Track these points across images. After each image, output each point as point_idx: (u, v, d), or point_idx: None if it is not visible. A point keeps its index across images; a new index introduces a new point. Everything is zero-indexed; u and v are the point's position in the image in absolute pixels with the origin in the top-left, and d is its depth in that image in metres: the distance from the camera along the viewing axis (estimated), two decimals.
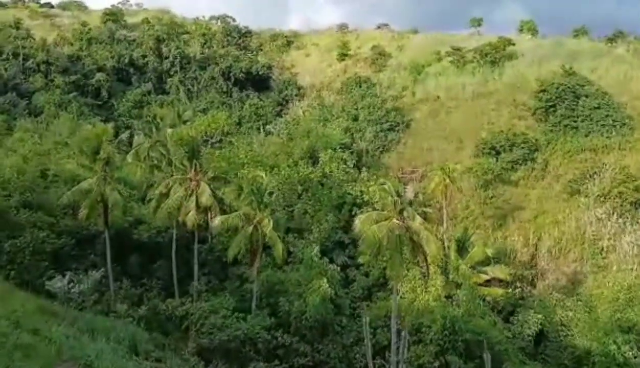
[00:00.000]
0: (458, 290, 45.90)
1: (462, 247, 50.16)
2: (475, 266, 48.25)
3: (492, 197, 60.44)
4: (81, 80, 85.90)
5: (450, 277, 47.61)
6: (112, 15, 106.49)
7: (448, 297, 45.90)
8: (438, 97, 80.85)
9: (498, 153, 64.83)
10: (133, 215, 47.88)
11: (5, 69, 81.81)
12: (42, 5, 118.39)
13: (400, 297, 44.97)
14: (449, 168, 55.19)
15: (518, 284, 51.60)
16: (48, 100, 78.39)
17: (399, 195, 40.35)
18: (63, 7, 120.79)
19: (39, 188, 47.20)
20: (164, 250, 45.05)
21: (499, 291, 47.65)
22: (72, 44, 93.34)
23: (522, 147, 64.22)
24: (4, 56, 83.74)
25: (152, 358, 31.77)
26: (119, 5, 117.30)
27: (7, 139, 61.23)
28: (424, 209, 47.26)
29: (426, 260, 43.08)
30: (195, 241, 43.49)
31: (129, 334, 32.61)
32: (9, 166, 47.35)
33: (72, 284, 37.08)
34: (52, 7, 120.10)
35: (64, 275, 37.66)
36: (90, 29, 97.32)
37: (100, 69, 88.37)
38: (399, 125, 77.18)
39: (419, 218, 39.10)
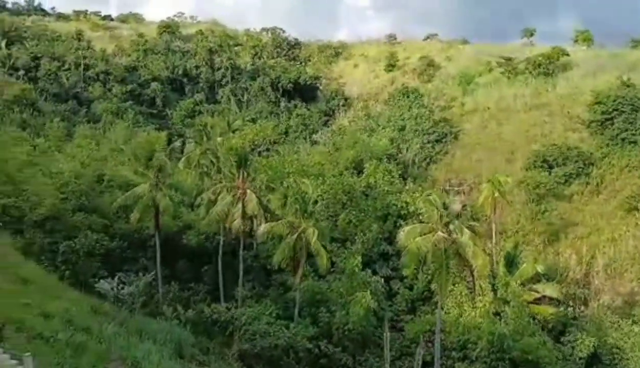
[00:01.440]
0: (506, 307, 44.63)
1: (511, 263, 48.79)
2: (525, 283, 46.76)
3: (544, 212, 58.53)
4: (137, 89, 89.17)
5: (499, 293, 46.37)
6: (168, 28, 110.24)
7: (496, 313, 44.70)
8: (488, 108, 79.26)
9: (551, 166, 62.87)
10: (182, 221, 49.10)
11: (67, 78, 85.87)
12: (102, 18, 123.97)
13: (446, 312, 44.19)
14: (498, 181, 53.88)
15: (570, 303, 49.65)
16: (106, 109, 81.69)
17: (445, 208, 39.91)
18: (122, 19, 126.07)
19: (94, 193, 49.09)
20: (211, 256, 45.95)
21: (549, 310, 45.96)
22: (129, 55, 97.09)
23: (576, 161, 62.06)
24: (66, 66, 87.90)
25: (197, 361, 32.48)
26: (175, 18, 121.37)
27: (67, 144, 64.05)
28: (472, 223, 46.45)
29: (473, 275, 42.32)
30: (240, 248, 44.20)
31: (175, 337, 33.49)
32: (68, 171, 49.44)
33: (122, 286, 38.36)
34: (112, 19, 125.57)
35: (115, 277, 39.00)
36: (146, 41, 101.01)
37: (155, 79, 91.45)
38: (447, 137, 76.11)
39: (465, 232, 38.47)
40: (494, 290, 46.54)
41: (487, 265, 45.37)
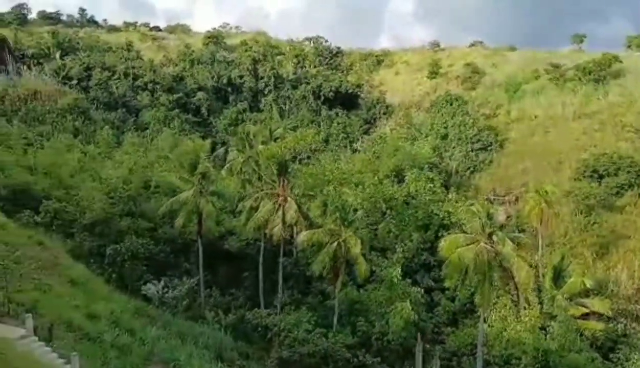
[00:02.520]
0: (552, 322, 43.23)
1: (558, 276, 47.23)
2: (573, 297, 45.20)
3: (593, 224, 56.53)
4: (183, 98, 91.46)
5: (545, 307, 44.99)
6: (213, 38, 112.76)
7: (541, 328, 43.32)
8: (535, 116, 77.43)
9: (601, 177, 60.72)
10: (225, 227, 49.93)
11: (117, 87, 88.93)
12: (151, 29, 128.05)
13: (489, 325, 43.17)
14: (545, 191, 52.42)
15: (620, 319, 47.58)
16: (153, 117, 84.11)
17: (489, 218, 38.99)
18: (170, 30, 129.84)
19: (141, 198, 50.49)
20: (251, 262, 46.50)
21: (598, 326, 44.20)
22: (176, 65, 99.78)
23: (629, 171, 59.69)
24: (117, 76, 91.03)
25: (236, 365, 32.86)
26: (220, 29, 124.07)
27: (116, 151, 66.22)
28: (517, 234, 45.37)
29: (517, 288, 41.22)
30: (280, 254, 44.54)
31: (216, 341, 34.06)
32: (116, 177, 51.12)
33: (166, 289, 39.26)
34: (160, 30, 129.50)
35: (159, 281, 39.98)
36: (193, 51, 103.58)
37: (201, 88, 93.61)
38: (492, 145, 74.71)
39: (510, 244, 37.53)
40: (540, 304, 45.18)
41: (532, 278, 44.12)
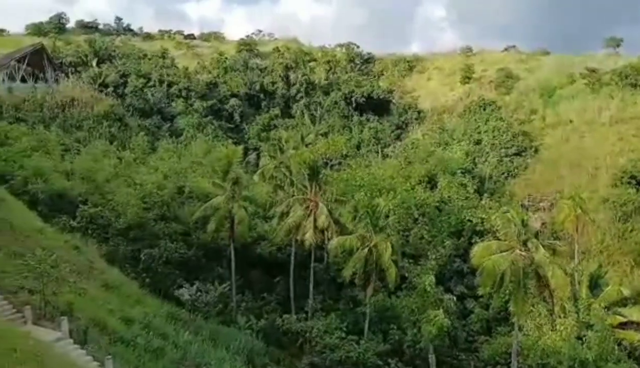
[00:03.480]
0: (589, 331, 42.02)
1: (595, 285, 46.11)
2: (610, 306, 43.97)
3: (631, 231, 54.93)
4: (217, 105, 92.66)
5: (581, 316, 43.76)
6: (246, 46, 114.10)
7: (578, 337, 42.15)
8: (571, 121, 75.71)
9: (639, 183, 58.90)
10: (256, 232, 50.21)
11: (152, 94, 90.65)
12: (185, 37, 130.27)
13: (524, 334, 42.25)
14: (581, 197, 51.09)
15: None
16: (187, 123, 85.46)
17: (523, 225, 38.25)
18: (204, 38, 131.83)
19: (175, 203, 51.25)
20: (283, 267, 46.65)
21: (636, 335, 42.81)
22: (210, 72, 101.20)
23: None
24: (152, 83, 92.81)
25: None
26: (253, 36, 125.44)
27: (151, 157, 67.45)
28: (552, 241, 44.31)
29: (552, 296, 40.24)
30: (311, 260, 44.55)
31: (247, 345, 34.23)
32: (151, 182, 52.03)
33: (199, 294, 39.69)
34: (194, 38, 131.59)
35: (192, 285, 40.46)
36: (226, 58, 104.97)
37: (234, 95, 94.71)
38: (527, 150, 73.37)
39: (545, 251, 36.71)
40: (576, 313, 43.98)
41: (568, 286, 43.03)
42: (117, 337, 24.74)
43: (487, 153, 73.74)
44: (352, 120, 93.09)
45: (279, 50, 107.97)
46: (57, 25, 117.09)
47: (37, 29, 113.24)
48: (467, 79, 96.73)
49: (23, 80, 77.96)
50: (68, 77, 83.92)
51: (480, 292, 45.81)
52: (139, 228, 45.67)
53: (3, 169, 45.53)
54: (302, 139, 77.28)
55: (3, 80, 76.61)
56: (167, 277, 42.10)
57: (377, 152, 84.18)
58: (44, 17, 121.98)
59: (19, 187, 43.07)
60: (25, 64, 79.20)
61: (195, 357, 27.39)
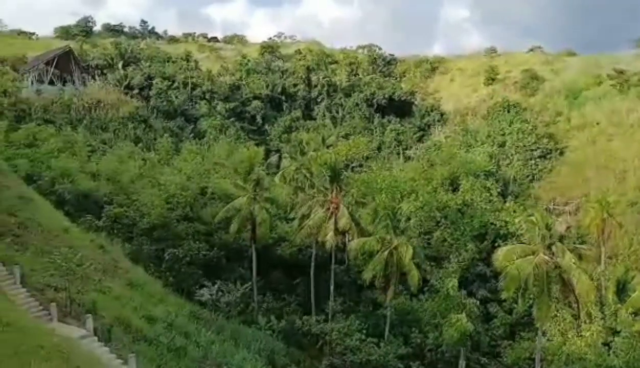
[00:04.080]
0: (616, 337, 41.19)
1: (621, 290, 45.07)
2: (638, 312, 42.85)
3: None
4: (239, 107, 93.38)
5: (607, 322, 42.90)
6: (269, 48, 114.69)
7: (604, 344, 41.33)
8: (597, 123, 74.31)
9: None
10: (277, 233, 50.42)
11: (176, 97, 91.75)
12: (209, 40, 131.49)
13: (547, 340, 41.60)
14: (607, 201, 50.06)
15: None
16: (210, 125, 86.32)
17: (548, 229, 37.68)
18: (227, 41, 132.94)
19: (198, 204, 51.82)
20: (303, 268, 46.72)
21: None
22: (233, 74, 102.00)
23: None
24: (176, 85, 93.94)
25: None
26: (275, 38, 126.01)
27: (175, 158, 68.31)
28: (578, 245, 43.58)
29: (577, 301, 39.53)
30: (332, 261, 44.53)
31: (268, 346, 34.35)
32: (175, 183, 52.66)
33: (220, 294, 39.98)
34: (218, 41, 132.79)
35: (213, 285, 40.76)
36: (248, 61, 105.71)
37: (256, 97, 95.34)
38: (552, 153, 72.26)
39: (570, 255, 36.10)
40: (602, 319, 43.10)
41: (593, 292, 42.06)
42: (141, 335, 25.06)
43: (511, 155, 72.84)
44: (373, 122, 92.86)
45: (300, 52, 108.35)
46: (85, 28, 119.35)
47: (65, 32, 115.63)
48: (491, 80, 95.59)
49: (51, 82, 79.75)
50: (95, 79, 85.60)
51: (503, 296, 45.17)
52: (163, 228, 46.26)
53: (31, 170, 46.56)
54: (323, 140, 77.40)
55: (32, 82, 78.50)
56: (189, 276, 42.52)
57: (399, 154, 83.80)
58: (71, 21, 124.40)
59: (47, 187, 43.99)
60: (53, 66, 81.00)
61: (217, 356, 27.58)
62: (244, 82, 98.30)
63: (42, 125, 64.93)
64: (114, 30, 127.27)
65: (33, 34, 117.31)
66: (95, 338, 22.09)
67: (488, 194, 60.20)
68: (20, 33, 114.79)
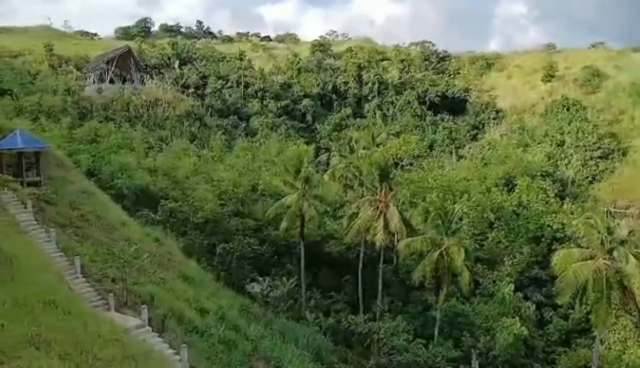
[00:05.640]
0: None
1: None
2: None
3: None
4: (290, 105, 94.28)
5: None
6: (320, 46, 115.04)
7: None
8: None
9: None
10: (325, 230, 50.57)
11: (230, 95, 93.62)
12: (262, 39, 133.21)
13: (606, 348, 39.83)
14: None
15: None
16: (262, 123, 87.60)
17: (609, 232, 36.13)
18: (279, 40, 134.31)
19: (249, 200, 52.70)
20: (351, 266, 46.66)
21: None
22: (284, 73, 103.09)
23: None
24: (229, 84, 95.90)
25: None
26: (327, 37, 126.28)
27: (227, 155, 69.69)
28: None
29: (639, 308, 37.62)
30: (380, 261, 44.24)
31: (315, 342, 34.47)
32: (227, 179, 53.78)
33: (269, 289, 40.48)
34: (270, 40, 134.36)
35: (263, 280, 41.32)
36: (300, 59, 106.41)
37: (306, 95, 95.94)
38: (614, 153, 69.12)
39: (633, 260, 34.43)
40: None
41: None
42: (193, 326, 25.68)
43: (570, 155, 70.19)
44: (425, 120, 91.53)
45: (352, 50, 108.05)
46: (143, 29, 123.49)
47: (125, 33, 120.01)
48: (549, 77, 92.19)
49: (111, 81, 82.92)
50: (152, 78, 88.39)
51: (559, 301, 43.61)
52: (215, 223, 47.30)
53: (92, 165, 48.54)
54: (373, 138, 76.98)
55: (94, 81, 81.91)
56: (240, 270, 43.30)
57: (451, 153, 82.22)
58: (130, 22, 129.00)
59: (107, 181, 45.76)
60: (113, 66, 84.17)
61: (266, 350, 27.94)
62: (295, 81, 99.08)
63: (103, 122, 67.63)
64: (171, 30, 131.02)
65: (95, 34, 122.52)
66: (150, 328, 22.81)
67: (545, 195, 58.17)
68: (84, 34, 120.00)
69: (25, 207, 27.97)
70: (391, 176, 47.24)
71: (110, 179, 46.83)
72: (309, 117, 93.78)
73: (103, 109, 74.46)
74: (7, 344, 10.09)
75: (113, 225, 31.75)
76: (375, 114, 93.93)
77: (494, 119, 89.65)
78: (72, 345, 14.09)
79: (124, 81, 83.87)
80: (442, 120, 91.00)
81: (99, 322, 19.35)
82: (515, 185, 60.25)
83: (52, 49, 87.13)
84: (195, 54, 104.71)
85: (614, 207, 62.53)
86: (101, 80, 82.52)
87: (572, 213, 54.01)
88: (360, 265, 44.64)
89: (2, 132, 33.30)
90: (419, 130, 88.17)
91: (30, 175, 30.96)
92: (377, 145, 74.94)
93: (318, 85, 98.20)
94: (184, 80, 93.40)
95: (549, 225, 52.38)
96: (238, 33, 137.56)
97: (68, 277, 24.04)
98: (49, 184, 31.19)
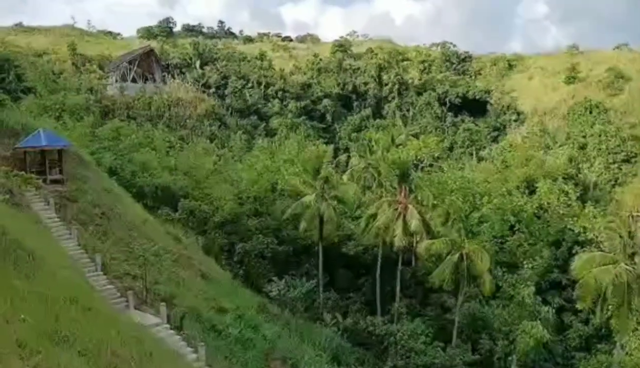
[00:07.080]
0: None
1: None
2: None
3: None
4: (310, 105, 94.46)
5: None
6: (341, 47, 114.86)
7: None
8: None
9: None
10: (344, 231, 50.54)
11: (250, 95, 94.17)
12: (282, 39, 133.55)
13: (627, 354, 39.13)
14: None
15: None
16: (281, 123, 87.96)
17: (631, 237, 35.57)
18: (300, 40, 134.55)
19: (268, 200, 52.95)
20: (369, 267, 46.62)
21: None
22: (305, 73, 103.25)
23: None
24: (250, 84, 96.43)
25: None
26: (347, 37, 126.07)
27: (247, 155, 70.11)
28: None
29: None
30: (399, 262, 44.07)
31: (333, 343, 34.53)
32: (246, 179, 54.13)
33: (287, 289, 40.55)
34: (291, 40, 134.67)
35: (281, 279, 41.42)
36: (320, 60, 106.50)
37: (326, 96, 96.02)
38: (637, 157, 67.72)
39: None
40: None
41: None
42: (210, 325, 25.90)
43: (593, 158, 69.12)
44: (445, 121, 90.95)
45: (372, 51, 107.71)
46: (165, 29, 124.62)
47: (147, 33, 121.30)
48: (572, 78, 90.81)
49: (133, 80, 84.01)
50: (174, 78, 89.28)
51: (579, 306, 43.05)
52: (234, 222, 47.65)
53: (114, 163, 49.18)
54: (393, 139, 76.64)
55: (116, 80, 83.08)
56: (258, 270, 43.53)
57: (472, 155, 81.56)
58: (153, 22, 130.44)
59: (128, 180, 46.33)
60: (135, 65, 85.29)
61: (283, 350, 28.06)
62: (315, 81, 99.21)
63: (125, 121, 68.47)
64: (192, 30, 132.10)
65: (118, 34, 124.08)
66: (168, 326, 23.06)
67: (566, 198, 57.41)
68: (107, 33, 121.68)
69: (48, 205, 28.49)
70: (410, 177, 46.98)
71: (131, 177, 47.41)
72: (328, 118, 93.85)
73: (125, 108, 75.47)
74: (27, 339, 10.31)
75: (134, 223, 32.14)
76: (395, 114, 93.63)
77: (515, 120, 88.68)
78: (91, 341, 14.28)
79: (145, 81, 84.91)
80: (463, 121, 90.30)
81: (119, 319, 19.60)
82: (536, 188, 59.57)
83: (76, 48, 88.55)
84: (216, 54, 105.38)
85: (637, 212, 61.32)
86: (123, 79, 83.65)
87: (593, 217, 53.20)
88: (379, 267, 44.53)
89: (26, 130, 33.93)
90: (439, 131, 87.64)
91: (53, 173, 31.52)
92: (397, 146, 74.65)
93: (338, 85, 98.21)
94: (205, 80, 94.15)
95: (570, 229, 51.71)
96: (259, 33, 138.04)
97: (89, 274, 24.37)
98: (71, 182, 31.68)
